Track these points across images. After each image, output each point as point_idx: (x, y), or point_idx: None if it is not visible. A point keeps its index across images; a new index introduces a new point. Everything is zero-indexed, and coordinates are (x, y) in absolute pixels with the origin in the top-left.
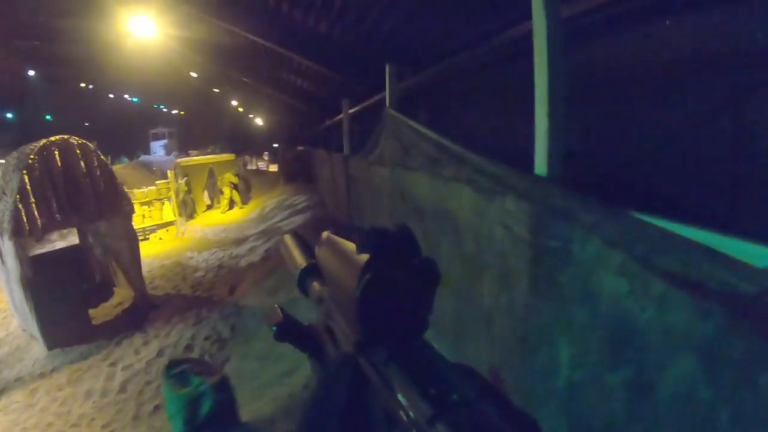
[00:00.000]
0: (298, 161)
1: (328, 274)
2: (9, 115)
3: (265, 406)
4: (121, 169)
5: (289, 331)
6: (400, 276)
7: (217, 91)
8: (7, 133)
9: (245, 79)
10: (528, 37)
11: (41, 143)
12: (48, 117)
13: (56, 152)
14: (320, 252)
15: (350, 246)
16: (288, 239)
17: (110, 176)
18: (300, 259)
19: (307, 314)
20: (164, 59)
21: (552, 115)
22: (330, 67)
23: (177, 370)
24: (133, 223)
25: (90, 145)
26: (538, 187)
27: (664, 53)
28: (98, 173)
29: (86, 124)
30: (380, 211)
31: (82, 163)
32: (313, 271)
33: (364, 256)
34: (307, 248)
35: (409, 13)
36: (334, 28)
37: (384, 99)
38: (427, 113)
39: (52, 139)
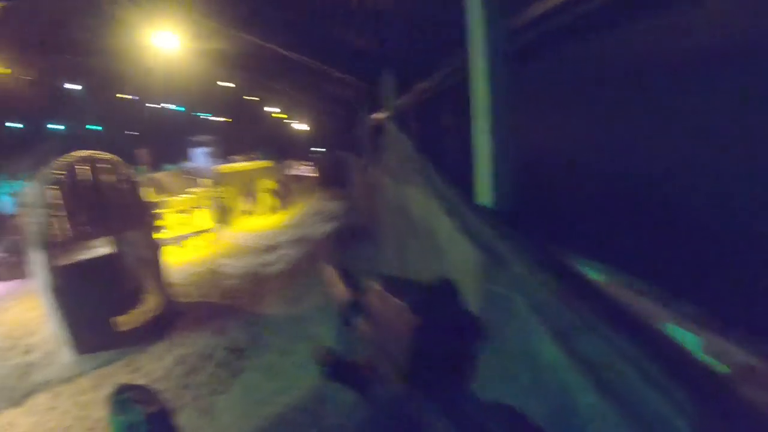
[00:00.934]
0: (333, 167)
1: (378, 326)
2: (60, 127)
3: (246, 426)
4: (164, 176)
5: (339, 371)
6: (446, 334)
7: (257, 99)
8: (58, 144)
9: (284, 88)
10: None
11: (70, 158)
12: (97, 127)
13: (84, 167)
14: (370, 300)
15: (399, 304)
16: (331, 269)
17: (135, 189)
18: (344, 291)
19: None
20: (203, 69)
21: (495, 131)
22: (353, 73)
23: (122, 397)
24: (153, 234)
25: (116, 158)
26: (477, 220)
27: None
28: (124, 186)
29: (134, 133)
30: (389, 224)
31: (108, 177)
32: (359, 307)
33: (413, 318)
34: (350, 279)
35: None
36: (348, 33)
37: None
38: (450, 117)
39: (81, 154)
